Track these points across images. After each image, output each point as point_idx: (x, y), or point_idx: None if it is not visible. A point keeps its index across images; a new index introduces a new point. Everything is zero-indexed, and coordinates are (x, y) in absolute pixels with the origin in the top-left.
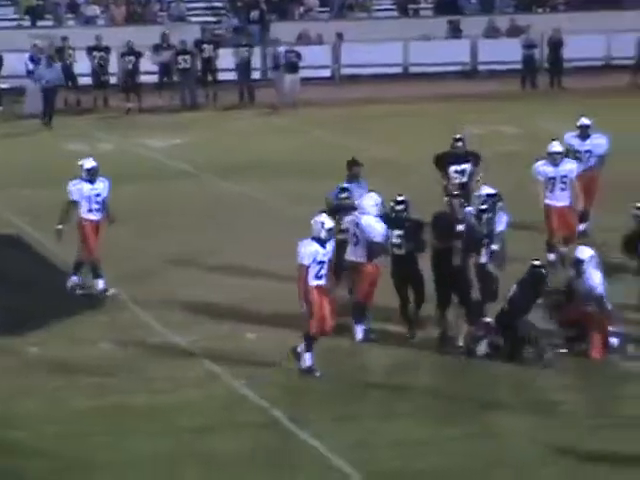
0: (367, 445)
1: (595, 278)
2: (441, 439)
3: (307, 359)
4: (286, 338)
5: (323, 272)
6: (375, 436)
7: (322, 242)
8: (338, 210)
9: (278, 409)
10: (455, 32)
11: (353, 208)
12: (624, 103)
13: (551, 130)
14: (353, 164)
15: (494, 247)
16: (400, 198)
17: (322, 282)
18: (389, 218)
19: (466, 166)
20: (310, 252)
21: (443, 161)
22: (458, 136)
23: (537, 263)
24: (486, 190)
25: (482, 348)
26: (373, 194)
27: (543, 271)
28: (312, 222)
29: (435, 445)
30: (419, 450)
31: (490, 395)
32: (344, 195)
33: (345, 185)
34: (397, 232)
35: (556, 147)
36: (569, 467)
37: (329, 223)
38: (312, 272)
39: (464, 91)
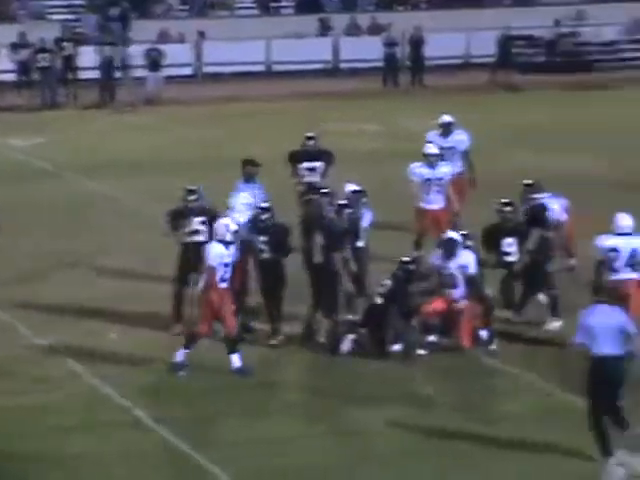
0: (234, 443)
1: (469, 258)
2: (309, 436)
3: (180, 355)
4: (149, 337)
5: (227, 275)
6: (242, 434)
7: (226, 244)
8: (186, 213)
9: (141, 408)
10: (324, 30)
11: (202, 210)
12: (483, 101)
13: (411, 128)
14: (247, 163)
15: (359, 244)
16: (265, 205)
17: (225, 285)
18: (255, 224)
19: (317, 164)
20: (216, 254)
21: (295, 159)
22: (310, 134)
23: (407, 259)
24: (351, 186)
25: (346, 345)
26: (245, 194)
27: (412, 267)
28: (216, 225)
29: (303, 442)
30: (287, 447)
31: (358, 391)
32: (192, 197)
33: (191, 187)
34: (262, 238)
35: (432, 149)
36: (436, 460)
37: (234, 225)
38: (218, 274)
39: (326, 89)
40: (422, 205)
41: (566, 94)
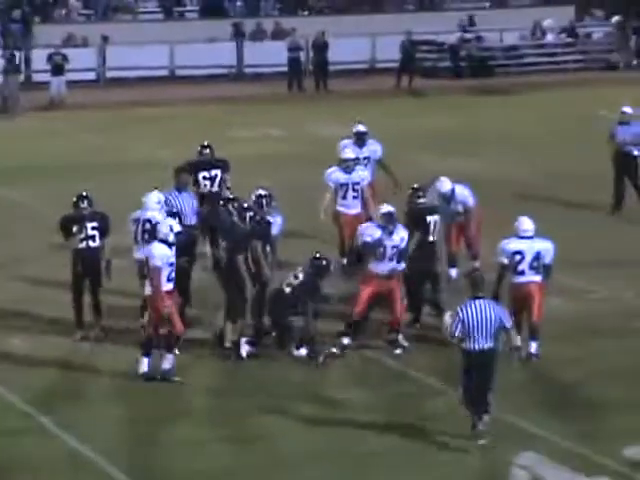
0: (139, 448)
1: (404, 233)
2: (214, 440)
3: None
4: (53, 343)
5: (173, 274)
6: (147, 439)
7: (169, 244)
8: (79, 219)
9: (45, 414)
10: (237, 35)
11: (95, 216)
12: (388, 105)
13: (316, 133)
14: (182, 171)
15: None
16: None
17: (172, 284)
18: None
19: (216, 172)
20: (161, 254)
21: (193, 169)
22: (205, 144)
23: (318, 255)
24: (258, 191)
25: (244, 349)
26: (156, 192)
27: (324, 262)
28: (158, 225)
29: (208, 446)
30: (192, 452)
31: (262, 395)
32: (84, 204)
33: (83, 193)
34: None
35: (349, 153)
36: (341, 462)
37: (177, 226)
38: (164, 275)
39: (231, 94)
40: (339, 209)
41: (469, 99)
